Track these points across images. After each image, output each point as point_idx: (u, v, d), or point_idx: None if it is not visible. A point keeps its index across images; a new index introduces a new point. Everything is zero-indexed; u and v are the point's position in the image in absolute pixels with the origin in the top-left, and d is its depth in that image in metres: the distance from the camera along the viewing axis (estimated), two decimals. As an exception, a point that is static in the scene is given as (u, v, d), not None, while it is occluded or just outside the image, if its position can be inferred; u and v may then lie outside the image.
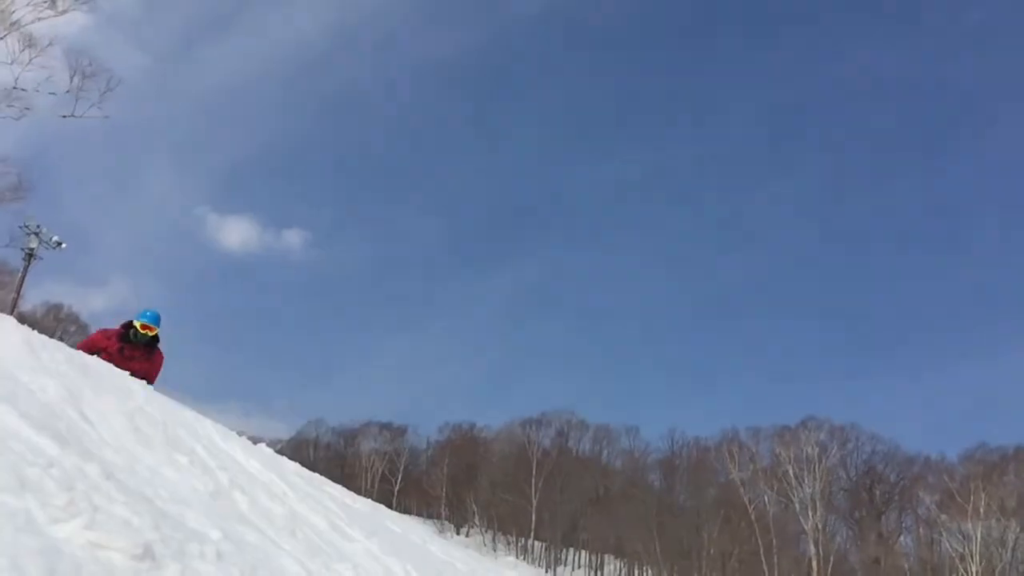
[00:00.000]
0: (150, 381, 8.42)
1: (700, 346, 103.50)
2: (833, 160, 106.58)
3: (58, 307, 69.53)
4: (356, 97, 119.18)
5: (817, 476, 61.85)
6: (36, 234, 33.51)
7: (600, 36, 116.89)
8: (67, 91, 33.68)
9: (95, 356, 7.79)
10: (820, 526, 60.46)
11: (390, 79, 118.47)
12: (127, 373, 7.75)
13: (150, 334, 8.74)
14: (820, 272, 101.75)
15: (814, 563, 58.86)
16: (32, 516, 2.55)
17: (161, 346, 9.14)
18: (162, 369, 9.13)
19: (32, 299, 62.81)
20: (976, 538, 51.70)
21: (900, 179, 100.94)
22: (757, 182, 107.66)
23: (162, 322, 8.95)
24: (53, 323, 62.55)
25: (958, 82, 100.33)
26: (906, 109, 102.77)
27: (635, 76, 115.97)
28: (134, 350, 8.63)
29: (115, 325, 9.05)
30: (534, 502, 69.31)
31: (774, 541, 59.48)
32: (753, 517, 61.10)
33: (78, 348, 7.92)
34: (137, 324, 8.71)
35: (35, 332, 6.11)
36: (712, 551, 61.65)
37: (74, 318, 70.65)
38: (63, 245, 34.61)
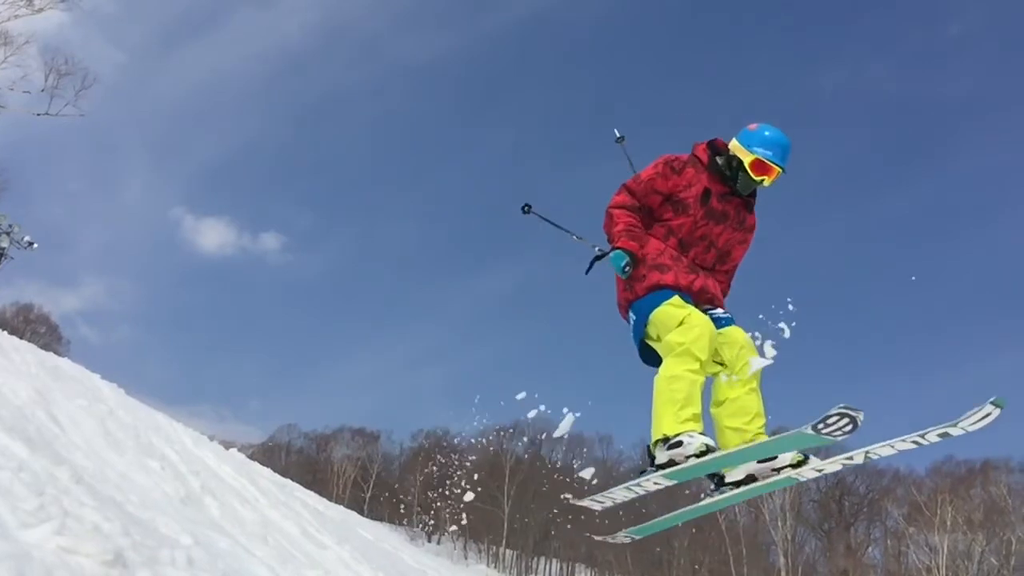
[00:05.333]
0: (727, 278, 4.78)
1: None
2: (814, 169, 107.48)
3: (28, 308, 68.57)
4: (337, 100, 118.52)
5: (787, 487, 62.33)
6: (7, 233, 33.13)
7: (586, 41, 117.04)
8: (42, 89, 33.51)
9: (630, 217, 4.47)
10: (789, 537, 60.90)
11: (372, 83, 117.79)
12: (702, 250, 4.52)
13: (765, 183, 4.51)
14: (793, 281, 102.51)
15: (783, 574, 59.27)
16: (2, 520, 2.52)
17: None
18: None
19: (1, 299, 62.09)
20: (943, 551, 52.25)
21: (881, 188, 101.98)
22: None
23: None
24: (22, 324, 61.64)
25: (940, 92, 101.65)
26: (889, 118, 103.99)
27: (620, 81, 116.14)
28: (727, 202, 4.55)
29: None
30: (506, 510, 69.26)
31: (744, 551, 59.85)
32: (723, 527, 61.44)
33: (613, 207, 4.53)
34: (747, 157, 4.46)
35: (5, 333, 6.06)
36: (682, 561, 61.93)
37: (44, 319, 69.77)
38: (35, 245, 34.24)
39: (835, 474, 60.74)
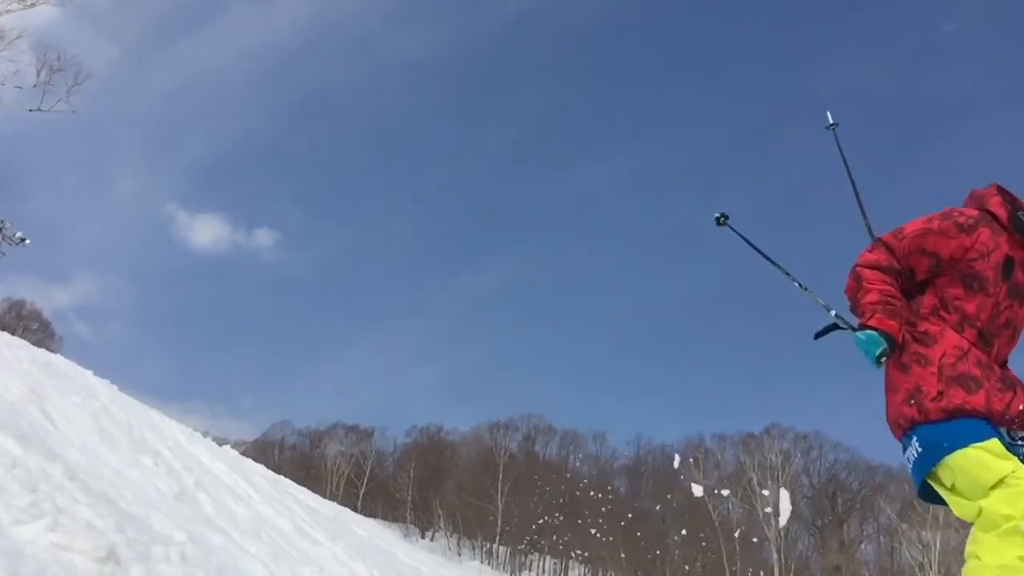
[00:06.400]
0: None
1: (668, 352, 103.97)
2: (810, 169, 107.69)
3: (20, 304, 68.34)
4: (331, 97, 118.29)
5: (780, 484, 62.51)
6: (0, 230, 33.07)
7: (580, 39, 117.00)
8: (34, 85, 33.40)
9: (886, 284, 3.14)
10: (782, 533, 61.13)
11: (366, 79, 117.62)
12: (1005, 341, 3.16)
13: None
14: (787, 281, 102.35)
15: (776, 570, 59.47)
16: (-6, 517, 2.52)
17: None
18: None
19: (-7, 295, 61.92)
20: (935, 547, 52.51)
21: (877, 187, 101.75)
22: (730, 189, 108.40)
23: None
24: (14, 320, 61.49)
25: (934, 90, 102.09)
26: (883, 116, 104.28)
27: (613, 80, 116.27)
28: None
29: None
30: (500, 506, 69.33)
31: (737, 548, 60.03)
32: (717, 524, 61.60)
33: (864, 267, 3.22)
34: None
35: (-2, 330, 6.04)
36: (676, 557, 62.10)
37: (36, 315, 69.55)
38: (27, 242, 34.16)
39: (828, 470, 60.61)
